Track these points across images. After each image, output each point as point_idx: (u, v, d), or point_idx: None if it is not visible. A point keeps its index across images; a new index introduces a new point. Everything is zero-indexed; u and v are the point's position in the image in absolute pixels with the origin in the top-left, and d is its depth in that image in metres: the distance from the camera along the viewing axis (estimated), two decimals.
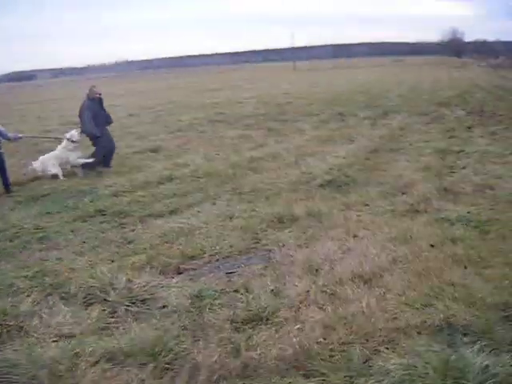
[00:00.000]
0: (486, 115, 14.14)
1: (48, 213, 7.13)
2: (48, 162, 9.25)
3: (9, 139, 8.76)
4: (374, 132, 12.50)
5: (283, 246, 5.24)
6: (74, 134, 9.53)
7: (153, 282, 4.53)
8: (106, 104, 10.13)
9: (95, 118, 9.49)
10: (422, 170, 8.20)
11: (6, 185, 8.51)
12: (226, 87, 36.02)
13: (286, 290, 4.22)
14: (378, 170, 8.33)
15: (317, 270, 4.54)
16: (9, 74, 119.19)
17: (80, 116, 9.67)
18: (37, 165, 9.21)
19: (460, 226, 5.52)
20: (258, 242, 5.45)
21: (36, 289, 4.51)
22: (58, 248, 5.74)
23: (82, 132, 9.59)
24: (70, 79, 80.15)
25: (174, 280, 4.66)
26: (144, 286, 4.44)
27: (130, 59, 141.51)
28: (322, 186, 7.56)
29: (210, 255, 5.12)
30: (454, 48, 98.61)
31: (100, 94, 9.81)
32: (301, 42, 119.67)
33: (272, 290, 4.22)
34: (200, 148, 11.33)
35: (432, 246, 5.00)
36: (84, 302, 4.26)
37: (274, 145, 11.51)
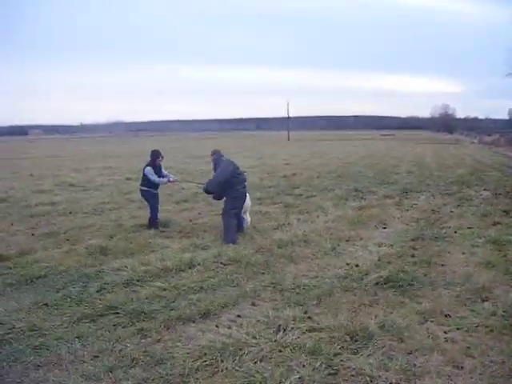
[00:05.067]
0: None
1: (45, 304, 5.78)
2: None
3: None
4: (404, 214, 11.38)
5: None
6: None
7: None
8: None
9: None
10: (484, 265, 7.04)
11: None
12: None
13: None
14: (437, 265, 7.12)
15: None
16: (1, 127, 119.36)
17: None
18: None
19: None
20: (335, 374, 4.10)
21: None
22: (60, 365, 4.35)
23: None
24: (65, 137, 78.97)
25: None
26: None
27: (122, 120, 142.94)
28: (379, 284, 6.29)
29: None
30: (445, 124, 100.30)
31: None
32: (291, 112, 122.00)
33: None
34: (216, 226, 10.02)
35: None
36: None
37: (298, 224, 10.26)
